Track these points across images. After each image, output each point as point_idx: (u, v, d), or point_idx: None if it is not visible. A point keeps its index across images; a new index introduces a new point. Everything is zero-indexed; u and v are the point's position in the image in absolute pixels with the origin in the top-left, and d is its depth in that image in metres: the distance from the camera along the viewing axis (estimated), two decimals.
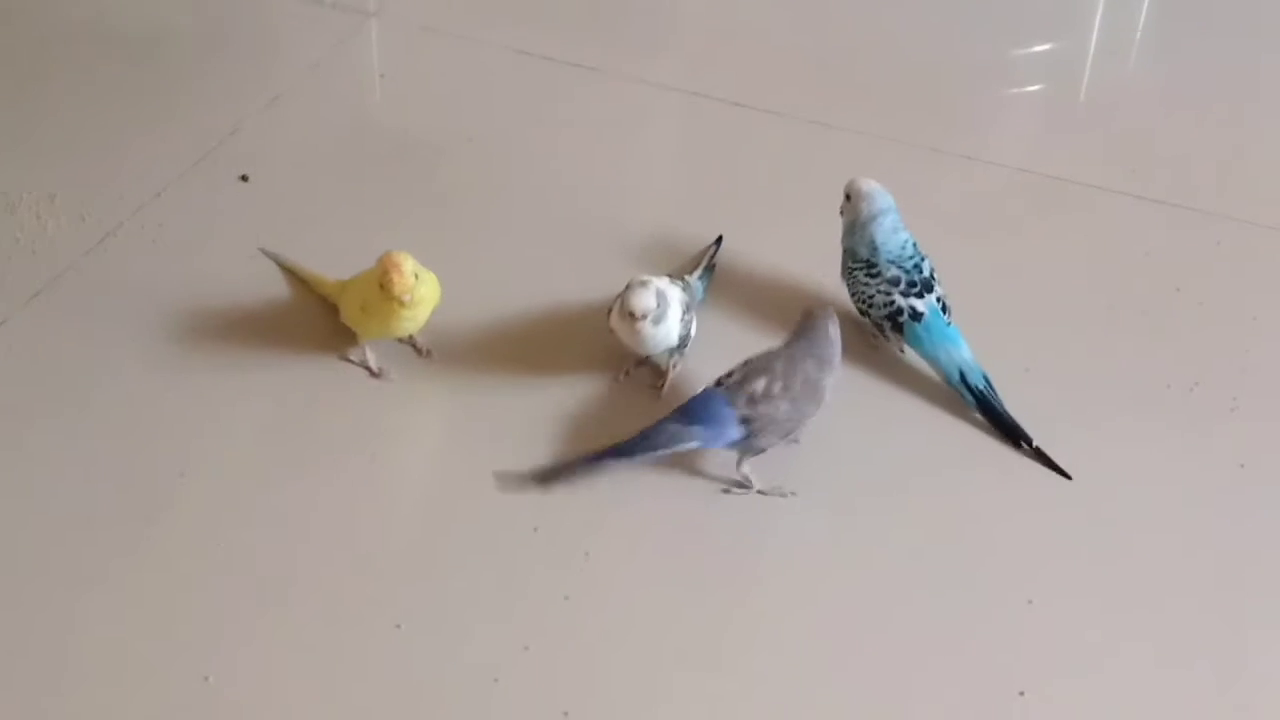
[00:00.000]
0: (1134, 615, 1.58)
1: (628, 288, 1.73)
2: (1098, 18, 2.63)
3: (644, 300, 1.71)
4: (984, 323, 1.86)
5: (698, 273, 1.92)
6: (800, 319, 1.73)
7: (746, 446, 1.67)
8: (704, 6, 2.68)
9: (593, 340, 1.84)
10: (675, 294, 1.75)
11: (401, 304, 1.72)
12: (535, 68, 2.39)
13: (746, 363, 1.69)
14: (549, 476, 1.67)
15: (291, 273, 1.95)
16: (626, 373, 1.82)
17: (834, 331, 1.70)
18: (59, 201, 2.06)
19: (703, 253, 1.98)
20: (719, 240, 2.00)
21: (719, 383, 1.68)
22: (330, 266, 1.90)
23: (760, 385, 1.66)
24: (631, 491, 1.68)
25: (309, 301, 1.91)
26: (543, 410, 1.78)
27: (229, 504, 1.66)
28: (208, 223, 2.05)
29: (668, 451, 1.66)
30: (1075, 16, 2.62)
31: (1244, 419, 1.80)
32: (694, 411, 1.67)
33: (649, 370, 1.82)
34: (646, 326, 1.71)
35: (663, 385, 1.80)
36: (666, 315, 1.73)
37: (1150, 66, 2.53)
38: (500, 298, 1.92)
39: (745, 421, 1.65)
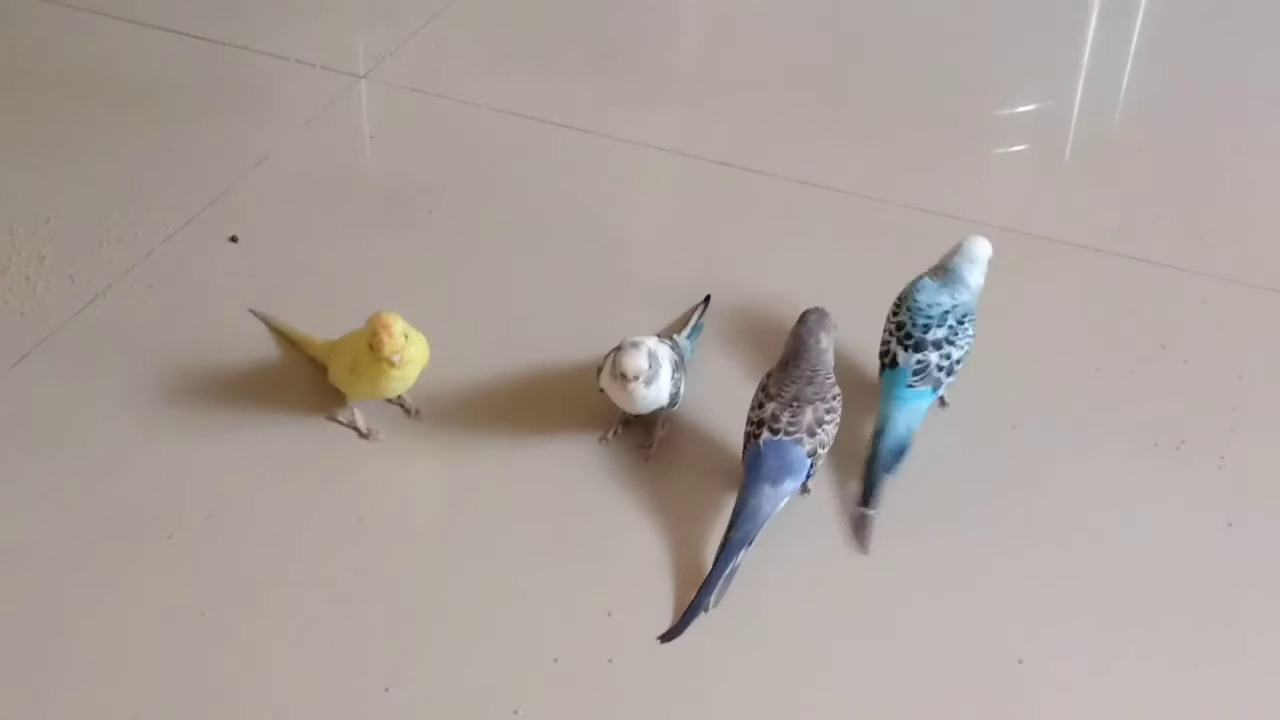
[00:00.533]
0: (1122, 675, 1.58)
1: (619, 349, 1.74)
2: (1082, 77, 2.66)
3: (636, 362, 1.71)
4: (971, 380, 1.86)
5: (686, 331, 1.93)
6: (791, 338, 1.75)
7: (809, 477, 1.71)
8: (690, 67, 2.70)
9: (582, 399, 1.84)
10: (665, 353, 1.76)
11: (391, 364, 1.72)
12: (524, 128, 2.41)
13: (772, 399, 1.70)
14: (697, 610, 1.61)
15: (280, 333, 1.95)
16: (615, 432, 1.82)
17: (825, 340, 1.74)
18: (48, 263, 2.07)
19: (691, 311, 1.99)
20: (707, 299, 2.01)
21: (774, 430, 1.68)
22: (319, 326, 1.90)
23: (810, 416, 1.69)
24: (623, 556, 1.69)
25: (298, 362, 1.91)
26: (533, 469, 1.78)
27: (217, 565, 1.66)
28: (197, 283, 2.06)
29: (774, 515, 1.67)
30: (1060, 76, 2.64)
31: (1231, 477, 1.80)
32: (777, 466, 1.67)
33: (637, 429, 1.82)
34: (639, 387, 1.72)
35: (651, 445, 1.80)
36: (658, 375, 1.73)
37: (1134, 125, 2.55)
38: (489, 356, 1.93)
39: (811, 455, 1.69)
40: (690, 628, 1.60)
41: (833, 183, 2.29)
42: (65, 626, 1.59)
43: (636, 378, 1.71)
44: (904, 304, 1.85)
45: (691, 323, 1.95)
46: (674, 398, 1.77)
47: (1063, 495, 1.78)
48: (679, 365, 1.78)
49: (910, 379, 1.80)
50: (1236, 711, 1.56)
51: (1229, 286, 2.10)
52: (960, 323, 1.83)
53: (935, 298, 1.84)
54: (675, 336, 1.87)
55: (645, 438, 1.81)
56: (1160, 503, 1.78)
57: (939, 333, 1.81)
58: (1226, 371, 1.96)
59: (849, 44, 2.68)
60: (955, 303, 1.84)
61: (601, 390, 1.78)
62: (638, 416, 1.80)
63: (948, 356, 1.81)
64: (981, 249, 1.87)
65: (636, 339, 1.75)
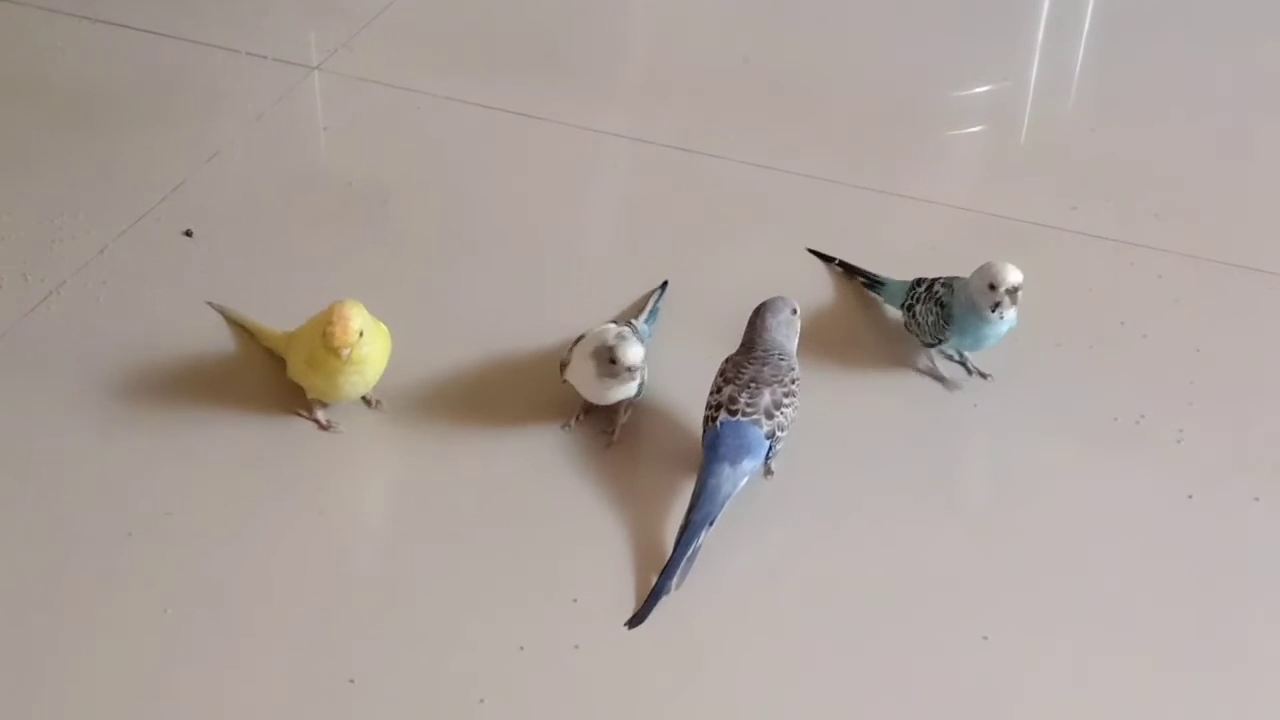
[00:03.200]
0: (1087, 650, 1.59)
1: (600, 341, 1.72)
2: (1036, 58, 2.67)
3: (635, 352, 1.71)
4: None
5: (644, 316, 1.92)
6: (748, 323, 1.77)
7: (770, 458, 1.71)
8: (645, 54, 2.70)
9: (542, 387, 1.84)
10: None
11: (338, 358, 1.70)
12: (479, 117, 2.39)
13: (730, 382, 1.70)
14: (660, 593, 1.60)
15: (239, 325, 1.94)
16: (577, 419, 1.81)
17: (772, 321, 1.75)
18: (0, 262, 2.05)
19: (647, 297, 1.99)
20: (664, 284, 2.00)
21: (731, 411, 1.68)
22: (276, 321, 1.89)
23: (768, 398, 1.69)
24: (587, 542, 1.68)
25: (255, 355, 1.90)
26: (494, 458, 1.77)
27: (177, 564, 1.64)
28: (152, 278, 2.04)
29: (735, 494, 1.67)
30: (1014, 58, 2.65)
31: (1191, 450, 1.82)
32: (735, 447, 1.67)
33: (599, 415, 1.82)
34: (639, 376, 1.72)
35: (614, 431, 1.80)
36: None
37: (1089, 105, 2.56)
38: (447, 345, 1.92)
39: (770, 437, 1.68)
40: (656, 611, 1.59)
41: (789, 166, 2.29)
42: (25, 626, 1.57)
43: (636, 368, 1.71)
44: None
45: (649, 307, 1.95)
46: (640, 386, 1.77)
47: (1024, 471, 1.79)
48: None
49: (895, 285, 1.94)
50: (1201, 683, 1.57)
51: (1184, 261, 2.12)
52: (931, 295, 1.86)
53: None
54: (633, 321, 1.86)
55: (607, 424, 1.81)
56: (1121, 477, 1.78)
57: (947, 335, 1.85)
58: (1184, 346, 1.97)
59: (804, 28, 2.68)
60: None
61: (565, 380, 1.78)
62: (597, 405, 1.80)
63: (913, 308, 1.89)
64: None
65: (616, 328, 1.74)
